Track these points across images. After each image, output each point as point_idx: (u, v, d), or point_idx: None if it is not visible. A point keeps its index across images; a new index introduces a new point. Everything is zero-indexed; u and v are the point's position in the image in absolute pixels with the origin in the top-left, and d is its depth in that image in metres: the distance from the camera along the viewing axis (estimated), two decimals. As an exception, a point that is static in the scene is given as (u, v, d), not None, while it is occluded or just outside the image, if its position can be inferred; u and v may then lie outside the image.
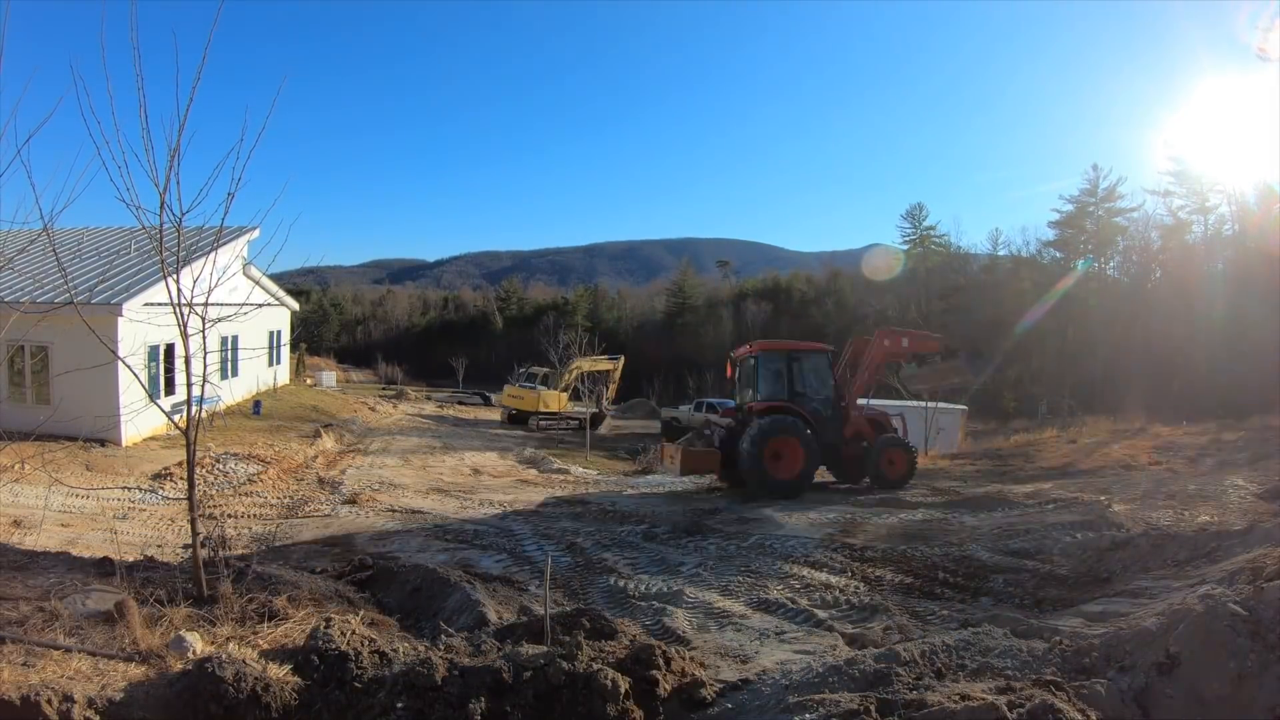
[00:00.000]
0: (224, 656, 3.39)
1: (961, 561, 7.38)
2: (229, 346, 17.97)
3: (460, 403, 38.03)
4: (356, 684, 3.41)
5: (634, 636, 4.48)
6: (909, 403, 22.14)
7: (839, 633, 5.52)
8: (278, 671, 3.40)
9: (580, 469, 16.37)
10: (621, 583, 6.99)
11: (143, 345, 14.00)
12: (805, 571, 7.24)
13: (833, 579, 6.99)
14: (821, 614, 5.96)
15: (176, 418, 6.04)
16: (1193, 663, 3.14)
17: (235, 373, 20.79)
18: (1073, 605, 5.81)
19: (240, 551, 7.46)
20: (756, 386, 12.86)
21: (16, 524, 8.52)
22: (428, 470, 15.05)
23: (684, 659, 4.13)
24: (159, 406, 5.98)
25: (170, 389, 15.71)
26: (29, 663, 3.57)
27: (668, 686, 3.73)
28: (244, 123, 5.04)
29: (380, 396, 33.77)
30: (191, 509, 5.31)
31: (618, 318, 66.90)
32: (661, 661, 3.85)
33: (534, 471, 15.65)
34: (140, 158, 4.73)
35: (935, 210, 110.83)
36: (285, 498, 11.59)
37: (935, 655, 3.71)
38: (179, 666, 3.52)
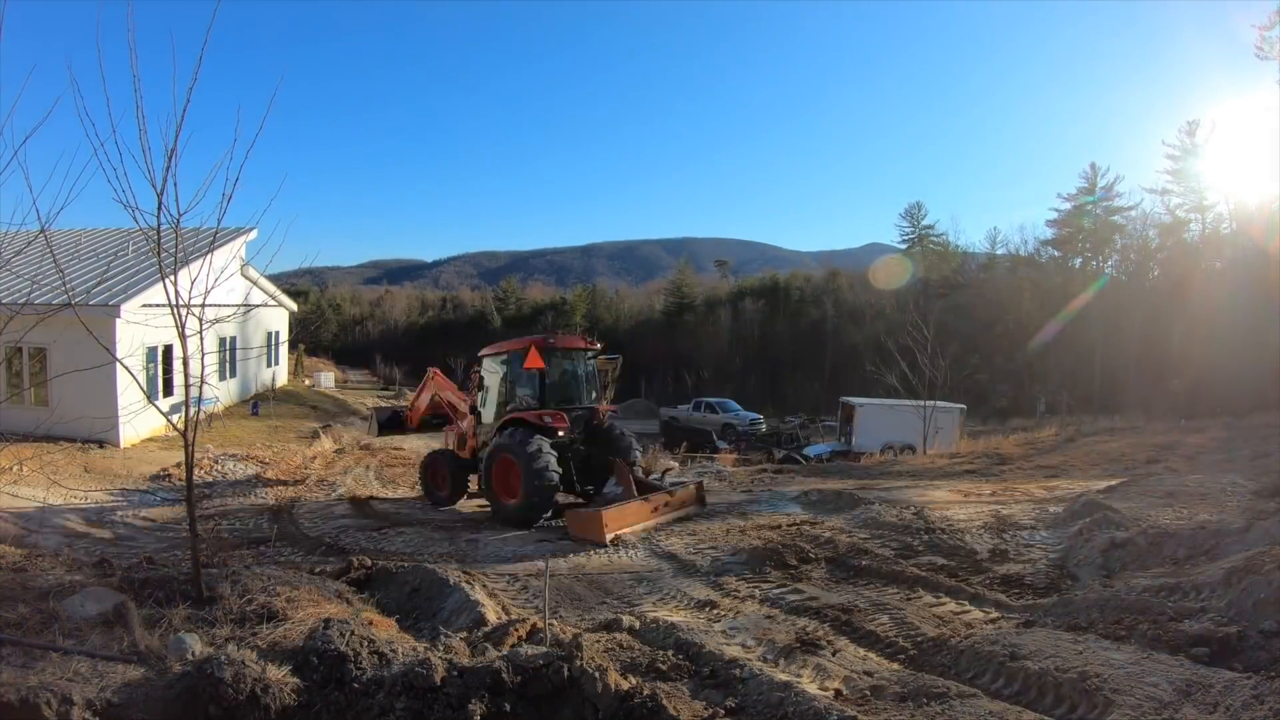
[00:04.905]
0: (223, 658, 3.39)
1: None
2: (227, 347, 17.97)
3: None
4: (356, 685, 3.40)
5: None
6: (909, 402, 22.18)
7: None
8: (277, 672, 3.39)
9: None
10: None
11: (141, 346, 13.97)
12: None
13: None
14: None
15: (175, 419, 6.04)
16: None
17: (234, 373, 20.77)
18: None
19: (238, 553, 7.46)
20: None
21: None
22: (427, 470, 15.00)
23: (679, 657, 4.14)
24: (157, 408, 5.99)
25: (169, 390, 15.68)
26: (28, 665, 3.56)
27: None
28: (239, 123, 5.04)
29: (379, 397, 33.69)
30: (190, 510, 5.30)
31: (615, 317, 66.86)
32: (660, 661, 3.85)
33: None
34: (137, 159, 4.72)
35: (933, 209, 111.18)
36: (284, 499, 11.58)
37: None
38: (178, 668, 3.52)
